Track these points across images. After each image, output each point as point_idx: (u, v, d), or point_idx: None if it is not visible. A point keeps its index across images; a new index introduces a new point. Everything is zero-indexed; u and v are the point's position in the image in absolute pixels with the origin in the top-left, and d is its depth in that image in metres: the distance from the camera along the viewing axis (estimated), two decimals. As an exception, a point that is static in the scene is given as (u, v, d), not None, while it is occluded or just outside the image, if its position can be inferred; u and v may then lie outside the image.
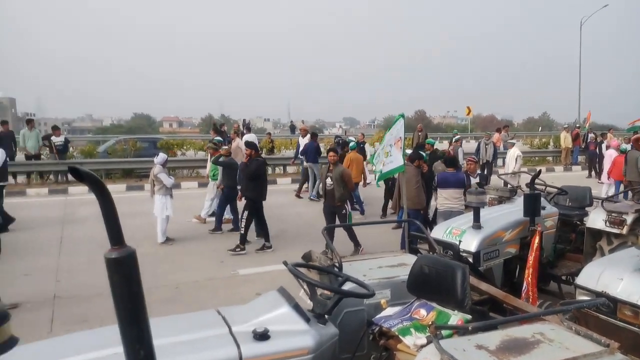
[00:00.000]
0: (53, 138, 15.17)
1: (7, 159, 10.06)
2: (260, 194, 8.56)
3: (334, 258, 3.55)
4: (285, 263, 2.89)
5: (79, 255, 8.20)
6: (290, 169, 18.43)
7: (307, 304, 3.01)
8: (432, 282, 2.82)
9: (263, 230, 8.72)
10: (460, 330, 2.31)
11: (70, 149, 16.65)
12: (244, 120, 22.54)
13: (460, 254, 4.68)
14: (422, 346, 2.37)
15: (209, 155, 10.99)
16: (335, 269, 3.28)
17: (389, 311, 2.94)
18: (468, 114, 34.52)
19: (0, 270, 6.01)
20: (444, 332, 2.28)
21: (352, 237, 8.13)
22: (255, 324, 2.48)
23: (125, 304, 1.89)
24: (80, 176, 1.82)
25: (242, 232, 8.45)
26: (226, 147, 10.08)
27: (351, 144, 12.30)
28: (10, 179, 15.03)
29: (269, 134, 23.78)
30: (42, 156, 15.65)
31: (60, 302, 6.34)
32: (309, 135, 15.01)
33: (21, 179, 15.45)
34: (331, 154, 8.49)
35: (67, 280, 7.09)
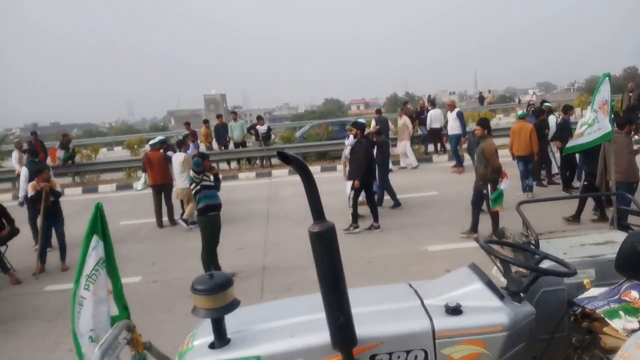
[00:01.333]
0: (258, 127, 16.87)
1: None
2: (367, 175, 8.49)
3: (530, 235, 3.37)
4: (476, 239, 2.85)
5: (282, 230, 9.11)
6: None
7: (499, 281, 2.93)
8: None
9: (353, 211, 8.65)
10: None
11: (272, 136, 18.32)
12: (429, 96, 22.15)
13: None
14: (634, 331, 2.14)
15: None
16: (532, 247, 3.12)
17: (593, 292, 2.70)
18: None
19: (221, 244, 6.94)
20: (662, 317, 2.03)
21: (495, 221, 7.50)
22: (447, 298, 2.49)
23: (326, 273, 2.09)
24: (288, 160, 2.06)
25: (352, 211, 8.66)
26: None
27: (520, 112, 11.12)
28: (224, 165, 17.26)
29: (455, 108, 23.09)
30: (246, 144, 17.54)
31: (268, 272, 7.14)
32: (456, 110, 13.99)
33: (233, 164, 17.58)
34: (477, 127, 7.83)
35: (273, 254, 7.93)
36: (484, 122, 7.87)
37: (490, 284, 2.55)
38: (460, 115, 13.88)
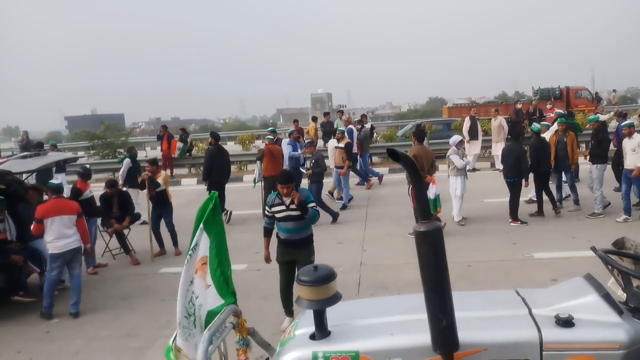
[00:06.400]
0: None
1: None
2: (216, 176, 10.01)
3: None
4: (594, 249, 2.64)
5: (380, 228, 9.10)
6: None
7: (617, 295, 2.70)
8: None
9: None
10: None
11: (375, 134, 18.29)
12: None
13: None
14: None
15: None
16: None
17: None
18: None
19: (321, 238, 7.07)
20: None
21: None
22: (557, 309, 2.35)
23: (430, 273, 2.05)
24: (397, 157, 2.05)
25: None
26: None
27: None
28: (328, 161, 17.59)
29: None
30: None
31: (365, 268, 7.17)
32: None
33: (334, 161, 17.83)
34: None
35: (371, 250, 7.95)
36: (416, 132, 9.33)
37: (607, 297, 2.37)
38: (349, 133, 12.31)
